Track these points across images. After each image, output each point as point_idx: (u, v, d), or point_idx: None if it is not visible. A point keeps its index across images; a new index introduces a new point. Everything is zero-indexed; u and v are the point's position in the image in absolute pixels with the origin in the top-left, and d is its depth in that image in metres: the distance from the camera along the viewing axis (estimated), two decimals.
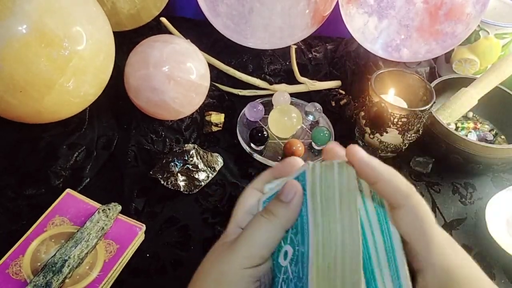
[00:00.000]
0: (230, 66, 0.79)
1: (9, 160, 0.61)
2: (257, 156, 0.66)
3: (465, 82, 0.72)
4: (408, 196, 0.27)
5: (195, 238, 0.56)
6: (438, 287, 0.26)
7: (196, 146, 0.62)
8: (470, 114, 0.77)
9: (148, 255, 0.54)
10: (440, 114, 0.70)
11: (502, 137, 0.74)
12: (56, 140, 0.63)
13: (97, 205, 0.55)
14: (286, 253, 0.28)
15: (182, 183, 0.60)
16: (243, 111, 0.73)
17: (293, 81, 0.79)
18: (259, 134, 0.65)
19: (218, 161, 0.65)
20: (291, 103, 0.74)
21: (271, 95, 0.75)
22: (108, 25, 0.62)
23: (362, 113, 0.66)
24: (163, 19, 0.77)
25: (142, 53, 0.62)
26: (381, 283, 0.26)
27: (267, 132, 0.66)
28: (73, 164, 0.61)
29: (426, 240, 0.26)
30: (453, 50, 0.79)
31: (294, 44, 0.76)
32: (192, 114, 0.70)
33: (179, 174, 0.60)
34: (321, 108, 0.73)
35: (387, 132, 0.63)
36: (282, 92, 0.75)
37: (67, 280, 0.47)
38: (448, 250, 0.27)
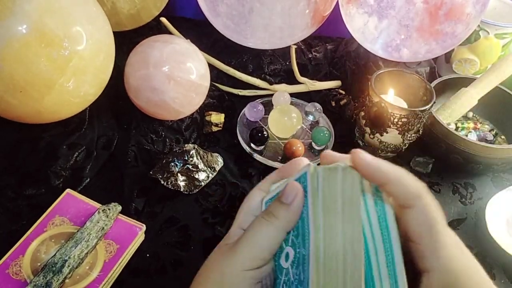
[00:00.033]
0: (230, 66, 0.79)
1: (9, 160, 0.61)
2: (257, 156, 0.66)
3: (465, 82, 0.72)
4: (419, 197, 0.26)
5: (195, 238, 0.56)
6: None
7: (196, 146, 0.62)
8: (470, 114, 0.77)
9: (148, 255, 0.54)
10: (440, 114, 0.70)
11: (502, 137, 0.74)
12: (56, 140, 0.63)
13: (97, 205, 0.55)
14: (287, 254, 0.28)
15: (182, 183, 0.60)
16: (243, 111, 0.73)
17: (293, 81, 0.79)
18: (259, 134, 0.65)
19: (218, 161, 0.65)
20: (291, 103, 0.74)
21: (271, 95, 0.75)
22: (108, 25, 0.62)
23: (362, 113, 0.66)
24: (163, 19, 0.77)
25: (142, 53, 0.62)
26: None
27: (267, 132, 0.66)
28: (73, 164, 0.61)
29: (434, 242, 0.26)
30: (453, 50, 0.79)
31: (294, 44, 0.76)
32: (192, 114, 0.70)
33: (179, 174, 0.60)
34: (321, 108, 0.73)
35: (387, 132, 0.63)
36: (282, 92, 0.75)
37: (67, 280, 0.47)
38: (455, 252, 0.27)
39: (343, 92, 0.79)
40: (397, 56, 0.74)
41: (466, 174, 0.68)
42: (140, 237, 0.54)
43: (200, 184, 0.61)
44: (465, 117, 0.77)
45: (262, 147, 0.68)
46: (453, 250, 0.27)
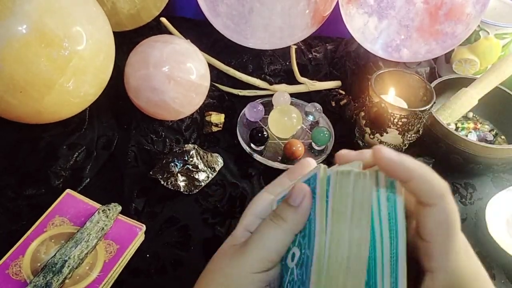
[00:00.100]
0: (230, 66, 0.79)
1: (9, 160, 0.61)
2: (257, 157, 0.66)
3: (465, 82, 0.72)
4: (442, 196, 0.25)
5: (195, 238, 0.56)
6: None
7: (196, 147, 0.62)
8: (470, 114, 0.77)
9: (148, 255, 0.54)
10: (440, 114, 0.70)
11: (502, 137, 0.74)
12: (56, 140, 0.63)
13: (97, 205, 0.55)
14: (293, 254, 0.28)
15: (182, 184, 0.60)
16: (243, 111, 0.73)
17: (293, 81, 0.79)
18: (259, 134, 0.65)
19: (218, 162, 0.65)
20: (291, 103, 0.74)
21: (271, 95, 0.75)
22: (108, 25, 0.62)
23: (362, 113, 0.66)
24: (163, 19, 0.77)
25: (142, 53, 0.62)
26: None
27: (267, 132, 0.66)
28: (73, 164, 0.61)
29: (447, 244, 0.26)
30: (453, 50, 0.79)
31: (294, 44, 0.76)
32: (192, 114, 0.70)
33: (179, 175, 0.60)
34: (321, 108, 0.73)
35: (387, 133, 0.63)
36: (282, 92, 0.75)
37: (67, 281, 0.47)
38: (463, 257, 0.26)
39: (343, 92, 0.79)
40: (397, 56, 0.74)
41: (466, 174, 0.68)
42: (140, 237, 0.54)
43: (200, 184, 0.61)
44: (465, 117, 0.77)
45: (262, 147, 0.68)
46: (462, 255, 0.26)
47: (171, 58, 0.61)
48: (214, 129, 0.70)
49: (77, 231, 0.51)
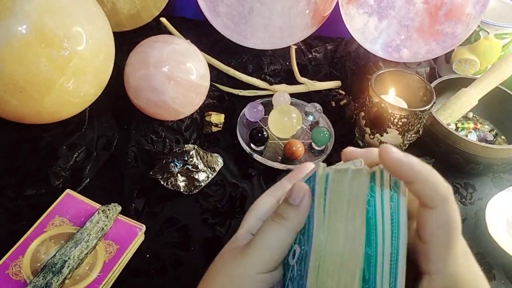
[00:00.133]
0: (230, 67, 0.79)
1: (9, 160, 0.61)
2: (257, 157, 0.66)
3: (465, 82, 0.72)
4: (445, 199, 0.25)
5: (195, 238, 0.56)
6: None
7: (196, 147, 0.62)
8: (470, 115, 0.77)
9: (148, 255, 0.53)
10: (440, 114, 0.70)
11: (502, 137, 0.74)
12: (56, 140, 0.63)
13: (97, 205, 0.55)
14: (294, 252, 0.28)
15: (182, 184, 0.60)
16: (243, 111, 0.73)
17: (293, 81, 0.79)
18: (259, 135, 0.65)
19: (218, 162, 0.65)
20: (291, 104, 0.74)
21: (271, 95, 0.75)
22: (108, 25, 0.62)
23: (362, 114, 0.66)
24: (163, 19, 0.77)
25: (142, 53, 0.62)
26: None
27: (267, 133, 0.66)
28: (73, 164, 0.61)
29: (447, 248, 0.26)
30: (453, 50, 0.79)
31: (294, 44, 0.76)
32: (192, 114, 0.70)
33: (179, 175, 0.60)
34: (321, 109, 0.73)
35: (387, 133, 0.63)
36: (282, 92, 0.75)
37: (67, 281, 0.47)
38: (462, 261, 0.26)
39: (343, 93, 0.79)
40: (397, 57, 0.74)
41: (466, 174, 0.68)
42: (140, 238, 0.54)
43: (200, 184, 0.61)
44: (465, 118, 0.77)
45: (262, 147, 0.68)
46: (461, 259, 0.26)
47: (171, 58, 0.61)
48: (214, 129, 0.70)
49: (77, 231, 0.51)
